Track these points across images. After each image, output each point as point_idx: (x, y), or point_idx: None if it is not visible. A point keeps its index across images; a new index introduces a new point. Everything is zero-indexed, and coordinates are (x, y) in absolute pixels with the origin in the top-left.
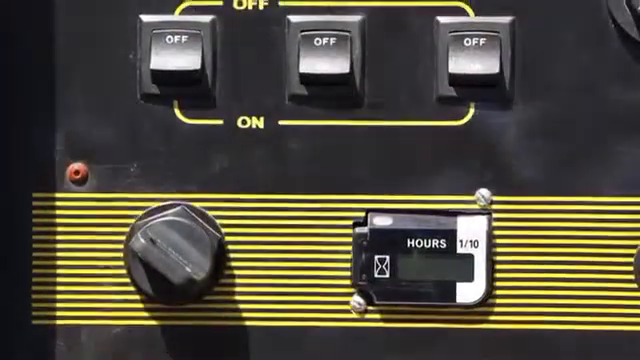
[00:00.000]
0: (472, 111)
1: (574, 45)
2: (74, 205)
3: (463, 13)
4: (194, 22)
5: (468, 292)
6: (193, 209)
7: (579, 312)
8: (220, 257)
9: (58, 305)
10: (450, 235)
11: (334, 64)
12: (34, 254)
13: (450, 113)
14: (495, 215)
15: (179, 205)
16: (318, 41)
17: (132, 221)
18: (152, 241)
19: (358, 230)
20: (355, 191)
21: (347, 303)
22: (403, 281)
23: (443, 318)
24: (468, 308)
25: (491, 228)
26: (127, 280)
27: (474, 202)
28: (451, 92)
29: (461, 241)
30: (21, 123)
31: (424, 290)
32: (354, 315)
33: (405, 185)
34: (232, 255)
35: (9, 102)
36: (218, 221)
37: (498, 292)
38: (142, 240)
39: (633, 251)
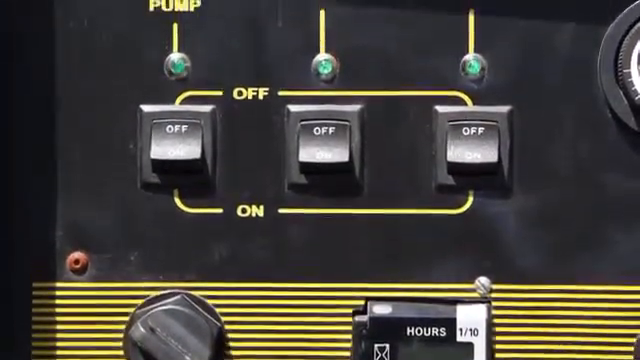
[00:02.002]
0: (471, 199)
1: (572, 134)
2: (74, 294)
3: (461, 102)
4: (194, 112)
5: None
6: (193, 298)
7: None
8: (220, 346)
9: None
10: (450, 324)
11: (333, 153)
12: (34, 344)
13: (449, 201)
14: (495, 303)
15: (179, 294)
16: (317, 130)
17: (132, 310)
18: (152, 330)
19: (358, 318)
20: (355, 279)
21: None
22: None
23: None
24: None
25: (491, 316)
26: None
27: (474, 290)
28: (450, 181)
29: (461, 330)
30: (21, 212)
31: None
32: None
33: (405, 273)
34: (232, 344)
35: (9, 191)
36: (218, 310)
37: None
38: (142, 329)
39: (633, 340)
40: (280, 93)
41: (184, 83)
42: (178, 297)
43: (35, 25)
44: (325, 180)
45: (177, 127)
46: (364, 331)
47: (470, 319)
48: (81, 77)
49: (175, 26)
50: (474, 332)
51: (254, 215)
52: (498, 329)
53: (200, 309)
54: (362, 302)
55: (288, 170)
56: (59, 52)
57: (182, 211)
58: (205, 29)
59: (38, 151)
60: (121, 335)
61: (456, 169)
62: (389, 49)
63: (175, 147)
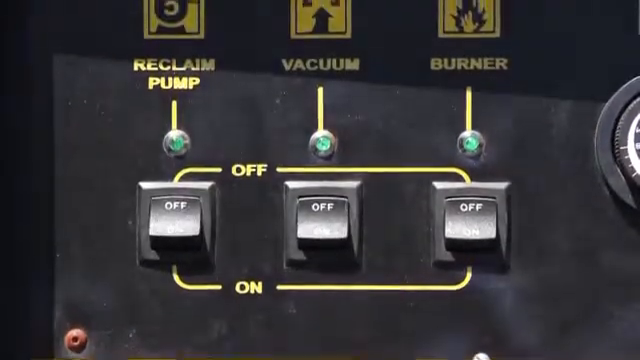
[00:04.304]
0: (469, 276)
1: (569, 211)
2: None
3: (459, 179)
4: (193, 189)
5: None
6: None
7: None
8: None
9: None
10: None
11: (332, 229)
12: None
13: (447, 277)
14: None
15: None
16: (316, 207)
17: None
18: None
19: None
20: (354, 355)
21: None
22: None
23: None
24: None
25: None
26: None
27: None
28: (448, 257)
29: None
30: (20, 289)
31: None
32: None
33: (404, 349)
34: None
35: (8, 267)
36: None
37: None
38: None
39: None
40: (278, 170)
41: (183, 160)
42: None
43: (35, 104)
44: (323, 256)
45: (176, 204)
46: None
47: None
48: (80, 154)
49: (174, 104)
50: None
51: (253, 291)
52: None
53: None
54: None
55: (287, 246)
56: (59, 130)
57: (181, 288)
58: (204, 106)
59: (37, 227)
60: None
61: (454, 245)
62: (387, 126)
63: (174, 224)
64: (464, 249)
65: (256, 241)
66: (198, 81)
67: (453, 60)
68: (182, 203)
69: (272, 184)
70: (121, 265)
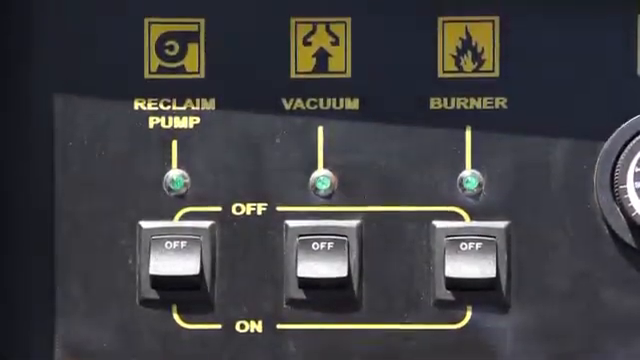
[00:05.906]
0: (469, 314)
1: (569, 250)
2: None
3: (459, 218)
4: (193, 228)
5: None
6: None
7: None
8: None
9: None
10: None
11: (332, 268)
12: None
13: (447, 316)
14: None
15: None
16: (316, 245)
17: None
18: None
19: None
20: None
21: None
22: None
23: None
24: None
25: None
26: None
27: None
28: (448, 296)
29: None
30: (20, 328)
31: None
32: None
33: None
34: None
35: (8, 306)
36: None
37: None
38: None
39: None
40: (278, 209)
41: (183, 199)
42: None
43: (35, 143)
44: (324, 295)
45: (176, 243)
46: None
47: None
48: (80, 193)
49: (174, 143)
50: None
51: (253, 331)
52: None
53: None
54: None
55: (286, 285)
56: (59, 169)
57: (181, 327)
58: (204, 146)
59: (37, 265)
60: None
61: (454, 284)
62: (387, 165)
63: (174, 263)
64: (464, 288)
65: (256, 280)
66: (198, 120)
67: (452, 99)
68: (182, 242)
69: (272, 223)
70: (121, 304)
